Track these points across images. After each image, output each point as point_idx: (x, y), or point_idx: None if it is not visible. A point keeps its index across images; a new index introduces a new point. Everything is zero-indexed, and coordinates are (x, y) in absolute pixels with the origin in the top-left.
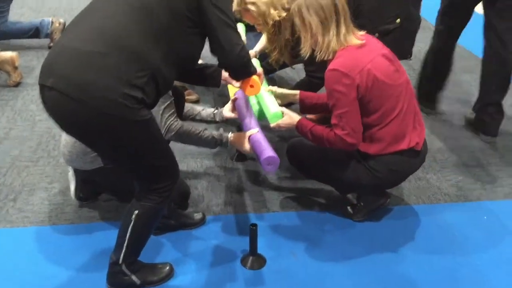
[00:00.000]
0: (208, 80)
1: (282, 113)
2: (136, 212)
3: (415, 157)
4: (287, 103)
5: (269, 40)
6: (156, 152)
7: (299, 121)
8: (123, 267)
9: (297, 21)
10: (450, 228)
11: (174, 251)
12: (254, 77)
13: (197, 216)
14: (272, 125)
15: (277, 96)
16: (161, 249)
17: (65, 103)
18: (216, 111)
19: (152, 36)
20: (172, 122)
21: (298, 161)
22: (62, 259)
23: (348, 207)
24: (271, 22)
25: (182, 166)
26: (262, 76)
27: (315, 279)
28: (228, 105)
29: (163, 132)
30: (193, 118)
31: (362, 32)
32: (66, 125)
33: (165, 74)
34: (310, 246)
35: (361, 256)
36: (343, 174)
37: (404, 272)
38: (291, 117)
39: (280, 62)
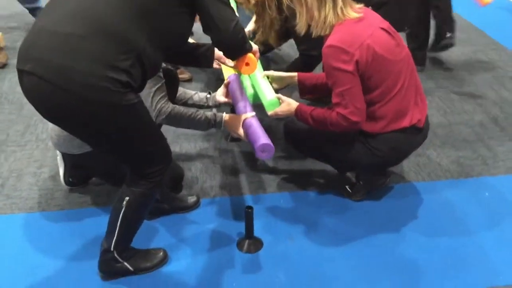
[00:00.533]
0: (200, 61)
1: (279, 100)
2: (127, 198)
3: (416, 134)
4: (284, 87)
5: (255, 19)
6: (146, 137)
7: (297, 107)
8: (115, 254)
9: None
10: (451, 205)
11: (168, 236)
12: (250, 54)
13: (191, 199)
14: (269, 113)
15: (274, 80)
16: (154, 234)
17: (45, 88)
18: (209, 95)
19: (135, 17)
20: (163, 105)
21: (295, 139)
22: (52, 246)
23: (347, 187)
24: (252, 1)
25: (175, 147)
26: (258, 53)
27: (313, 262)
28: (221, 89)
29: (153, 115)
30: (185, 103)
31: (360, 5)
32: (47, 112)
33: (151, 55)
34: (307, 228)
35: (360, 238)
36: (343, 153)
37: (405, 252)
38: (289, 104)
39: (266, 42)
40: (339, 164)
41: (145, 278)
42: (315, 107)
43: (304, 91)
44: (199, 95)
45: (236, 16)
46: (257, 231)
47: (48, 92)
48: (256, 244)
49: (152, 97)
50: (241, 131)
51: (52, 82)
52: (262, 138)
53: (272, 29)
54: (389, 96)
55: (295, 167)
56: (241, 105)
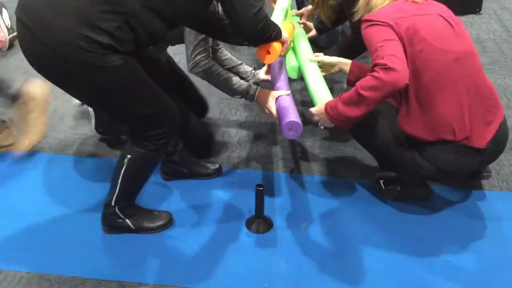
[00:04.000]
0: (230, 38)
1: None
2: (129, 156)
3: (473, 155)
4: (333, 73)
5: None
6: (138, 100)
7: (326, 104)
8: (116, 210)
9: None
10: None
11: (178, 200)
12: (274, 43)
13: (212, 167)
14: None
15: (324, 65)
16: (166, 196)
17: (27, 38)
18: (253, 70)
19: None
20: (202, 58)
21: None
22: (69, 190)
23: (381, 182)
24: None
25: (215, 111)
26: (287, 43)
27: (320, 257)
28: (264, 68)
29: (189, 65)
30: (229, 69)
31: None
32: (30, 61)
33: (146, 22)
34: (325, 217)
35: (382, 243)
36: (391, 153)
37: (435, 273)
38: (321, 110)
39: (321, 20)
40: (383, 159)
41: (145, 237)
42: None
43: (354, 80)
44: (245, 67)
45: (259, 2)
46: (272, 211)
47: (30, 43)
48: (265, 225)
49: (194, 46)
50: (272, 107)
51: (33, 33)
52: (291, 115)
53: (324, 4)
54: (431, 93)
55: (334, 152)
56: (278, 85)
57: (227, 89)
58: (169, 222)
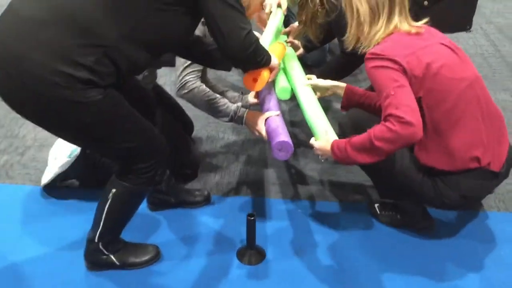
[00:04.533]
0: (218, 64)
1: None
2: (114, 191)
3: (492, 179)
4: (326, 96)
5: (298, 11)
6: (121, 133)
7: (332, 143)
8: (100, 246)
9: (343, 2)
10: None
11: (166, 232)
12: (263, 70)
13: (201, 194)
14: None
15: (317, 89)
16: (152, 228)
17: (2, 77)
18: (241, 95)
19: (109, 9)
20: (190, 79)
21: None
22: (48, 224)
23: (377, 205)
24: None
25: (202, 133)
26: (277, 70)
27: (319, 286)
28: (252, 92)
29: (176, 86)
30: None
31: (421, 23)
32: (2, 97)
33: (128, 53)
34: (320, 244)
35: (382, 270)
36: (404, 180)
37: None
38: (327, 140)
39: (308, 38)
40: (389, 191)
41: (131, 273)
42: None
43: (348, 105)
44: (232, 93)
45: (249, 24)
46: (264, 240)
47: (1, 78)
48: (257, 256)
49: (184, 68)
50: (262, 129)
51: (4, 68)
52: (281, 135)
53: (313, 23)
54: (446, 124)
55: (326, 174)
56: (267, 105)
57: (214, 111)
58: (156, 256)
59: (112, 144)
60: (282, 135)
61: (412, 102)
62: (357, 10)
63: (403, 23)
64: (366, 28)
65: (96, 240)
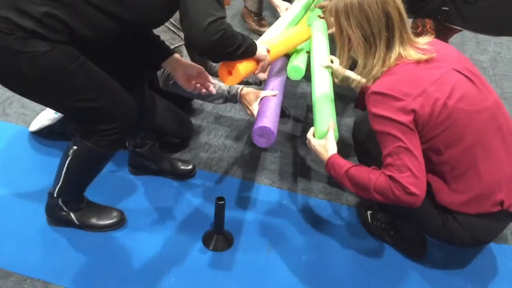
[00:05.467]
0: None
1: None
2: (74, 148)
3: (507, 220)
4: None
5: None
6: (77, 91)
7: (331, 158)
8: (59, 202)
9: (334, 23)
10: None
11: (138, 198)
12: (239, 63)
13: (185, 166)
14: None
15: (336, 75)
16: (126, 191)
17: None
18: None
19: None
20: None
21: (359, 142)
22: (23, 166)
23: (369, 212)
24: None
25: (207, 104)
26: (265, 61)
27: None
28: None
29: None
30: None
31: (427, 39)
32: None
33: (85, 16)
34: (295, 244)
35: (358, 278)
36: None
37: None
38: (326, 149)
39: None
40: (391, 209)
41: (89, 236)
42: (356, 164)
43: (362, 105)
44: None
45: (221, 12)
46: (238, 227)
47: None
48: (223, 242)
49: None
50: (254, 109)
51: None
52: (265, 119)
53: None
54: (466, 163)
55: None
56: (270, 83)
57: (205, 95)
58: (120, 223)
59: (67, 101)
60: (266, 120)
61: (417, 169)
62: (349, 39)
63: (408, 50)
64: (360, 61)
65: (55, 195)
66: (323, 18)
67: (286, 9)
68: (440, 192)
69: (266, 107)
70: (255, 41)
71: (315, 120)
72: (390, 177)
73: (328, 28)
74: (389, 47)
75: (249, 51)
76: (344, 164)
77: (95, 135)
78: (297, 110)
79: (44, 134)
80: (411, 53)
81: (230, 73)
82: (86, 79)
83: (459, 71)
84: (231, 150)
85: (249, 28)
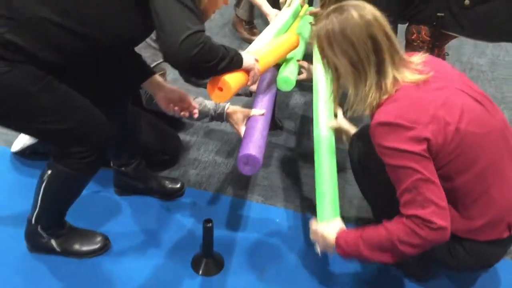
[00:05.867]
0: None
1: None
2: (49, 172)
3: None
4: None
5: None
6: (41, 113)
7: (338, 236)
8: (38, 229)
9: (318, 52)
10: None
11: (124, 221)
12: (227, 78)
13: (173, 185)
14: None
15: (336, 130)
16: (111, 213)
17: None
18: None
19: None
20: None
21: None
22: (9, 189)
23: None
24: None
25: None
26: (255, 71)
27: None
28: None
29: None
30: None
31: (422, 58)
32: None
33: (48, 36)
34: (290, 264)
35: None
36: None
37: None
38: (332, 226)
39: None
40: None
41: (72, 262)
42: (366, 227)
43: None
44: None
45: (198, 25)
46: (230, 248)
47: None
48: (213, 266)
49: None
50: (241, 129)
51: None
52: (250, 146)
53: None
54: (479, 188)
55: None
56: (259, 97)
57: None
58: (103, 248)
59: (28, 125)
60: (252, 147)
61: (440, 199)
62: (336, 68)
63: (403, 73)
64: (351, 89)
65: (33, 222)
66: (314, 25)
67: (276, 16)
68: (450, 219)
69: (253, 131)
70: (241, 52)
71: (318, 204)
72: (413, 216)
73: None
74: (380, 72)
75: (234, 63)
76: (355, 231)
77: (68, 158)
78: (290, 122)
79: (26, 155)
80: (407, 75)
81: (220, 89)
82: (51, 100)
83: (463, 91)
84: (221, 166)
85: (240, 37)
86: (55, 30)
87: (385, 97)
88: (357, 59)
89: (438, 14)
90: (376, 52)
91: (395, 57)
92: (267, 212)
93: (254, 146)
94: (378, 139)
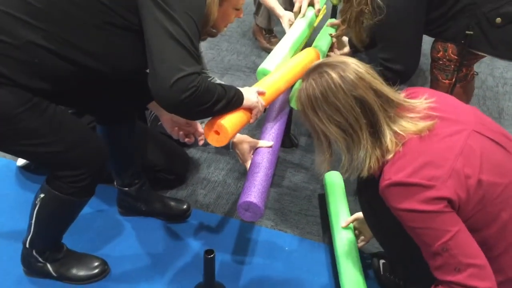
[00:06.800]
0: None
1: None
2: (42, 196)
3: None
4: None
5: (342, 8)
6: (22, 136)
7: None
8: (34, 253)
9: (303, 117)
10: None
11: (125, 244)
12: (225, 121)
13: (179, 207)
14: None
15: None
16: (112, 235)
17: None
18: None
19: (37, 12)
20: None
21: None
22: (12, 205)
23: (381, 262)
24: None
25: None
26: (258, 109)
27: None
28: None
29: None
30: None
31: (425, 100)
32: None
33: (46, 60)
34: None
35: None
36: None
37: None
38: None
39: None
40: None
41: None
42: None
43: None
44: None
45: (192, 66)
46: (236, 276)
47: None
48: None
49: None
50: (247, 161)
51: None
52: (252, 192)
53: (357, 23)
54: (504, 241)
55: None
56: (268, 124)
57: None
58: (102, 274)
59: (13, 147)
60: (253, 194)
61: (475, 256)
62: (326, 137)
63: (403, 125)
64: (344, 156)
65: (27, 246)
66: (334, 36)
67: (289, 20)
68: None
69: (257, 169)
70: (242, 88)
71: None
72: (451, 283)
73: (339, 49)
74: (375, 133)
75: (232, 104)
76: None
77: (61, 182)
78: (307, 139)
79: (31, 169)
80: (409, 126)
81: (217, 132)
82: (38, 122)
83: (479, 133)
84: (231, 187)
85: (260, 46)
86: (46, 55)
87: (389, 156)
88: (346, 124)
89: (467, 32)
90: (367, 114)
91: (390, 112)
92: (276, 238)
93: (256, 192)
94: (393, 201)
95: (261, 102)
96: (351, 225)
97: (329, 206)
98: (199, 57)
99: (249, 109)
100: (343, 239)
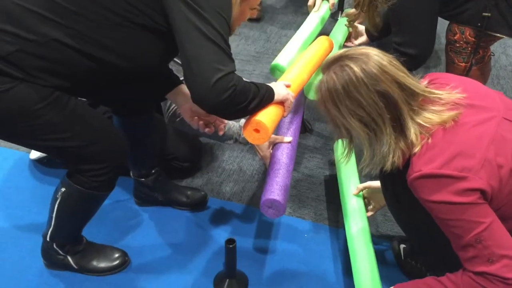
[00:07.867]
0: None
1: None
2: (63, 190)
3: None
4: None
5: None
6: (44, 131)
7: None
8: (54, 246)
9: (322, 110)
10: None
11: (142, 235)
12: (263, 118)
13: (195, 195)
14: None
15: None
16: (130, 226)
17: None
18: None
19: (58, 8)
20: None
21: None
22: (22, 198)
23: (402, 247)
24: None
25: None
26: (289, 101)
27: None
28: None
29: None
30: None
31: (452, 91)
32: None
33: (71, 58)
34: (319, 284)
35: None
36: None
37: None
38: None
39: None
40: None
41: (91, 280)
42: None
43: None
44: None
45: (229, 65)
46: (254, 264)
47: None
48: (237, 286)
49: None
50: (266, 156)
51: None
52: (275, 189)
53: (370, 8)
54: None
55: None
56: (284, 121)
57: (214, 134)
58: (122, 265)
59: (34, 142)
60: (276, 192)
61: (509, 247)
62: (347, 131)
63: (427, 116)
64: (366, 151)
65: (48, 239)
66: (349, 26)
67: None
68: None
69: (278, 166)
70: (271, 85)
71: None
72: (484, 273)
73: (356, 38)
74: (398, 127)
75: (264, 100)
76: (413, 283)
77: (81, 176)
78: (320, 124)
79: (45, 163)
80: (433, 117)
81: (257, 131)
82: (58, 118)
83: (509, 120)
84: (246, 175)
85: None
86: (69, 52)
87: (416, 149)
88: (369, 119)
89: (484, 14)
90: (390, 108)
91: (414, 104)
92: (295, 225)
93: (279, 190)
94: (423, 194)
95: (291, 93)
96: (361, 193)
97: (339, 173)
98: (231, 55)
99: (281, 103)
100: (354, 226)
